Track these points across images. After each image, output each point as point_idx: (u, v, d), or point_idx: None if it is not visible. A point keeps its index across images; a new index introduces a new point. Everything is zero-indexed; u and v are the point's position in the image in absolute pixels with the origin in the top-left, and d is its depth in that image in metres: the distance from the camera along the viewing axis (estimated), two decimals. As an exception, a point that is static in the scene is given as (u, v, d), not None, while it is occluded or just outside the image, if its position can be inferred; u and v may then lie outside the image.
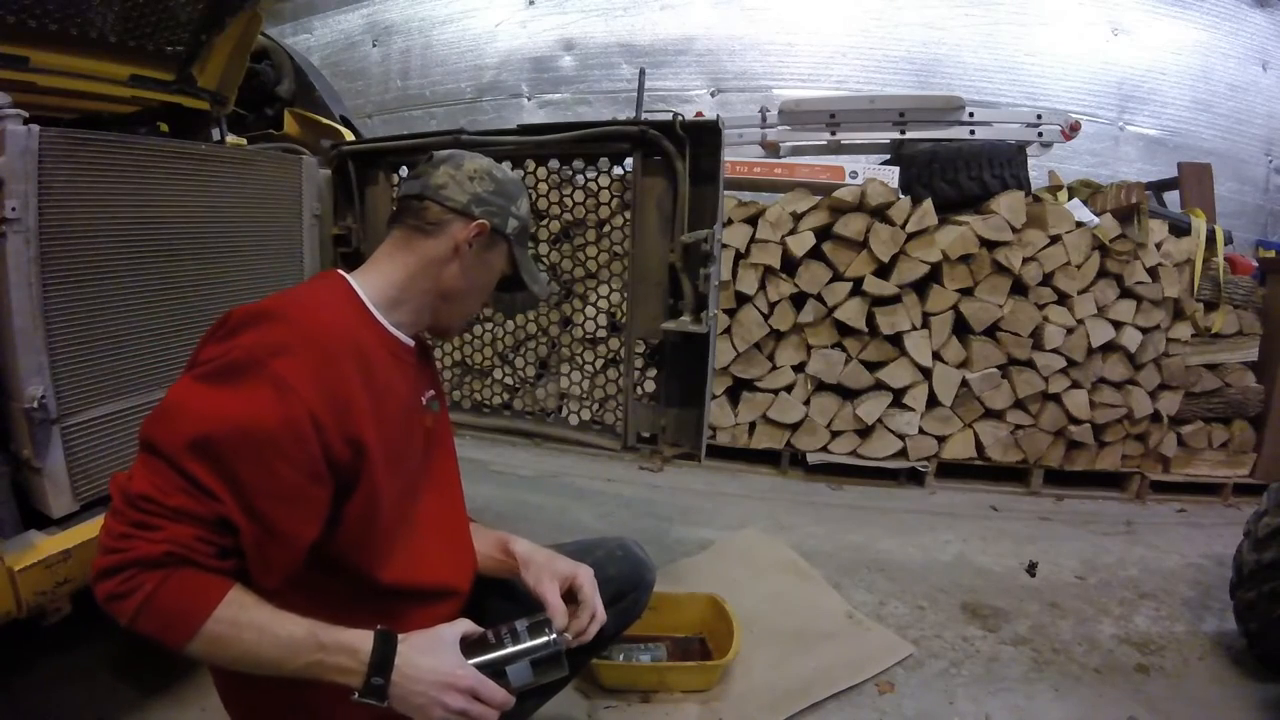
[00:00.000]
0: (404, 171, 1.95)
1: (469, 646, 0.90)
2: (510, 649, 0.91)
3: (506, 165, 1.95)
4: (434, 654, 0.86)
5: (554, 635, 0.94)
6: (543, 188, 1.92)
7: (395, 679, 0.82)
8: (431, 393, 1.11)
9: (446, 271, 1.01)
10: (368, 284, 0.99)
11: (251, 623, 0.78)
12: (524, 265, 1.09)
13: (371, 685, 0.81)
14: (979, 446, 3.12)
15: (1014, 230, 2.95)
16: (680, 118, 1.68)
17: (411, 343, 1.04)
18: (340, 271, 1.01)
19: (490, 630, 0.93)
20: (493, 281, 1.09)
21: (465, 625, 0.91)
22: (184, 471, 0.76)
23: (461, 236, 1.00)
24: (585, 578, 1.07)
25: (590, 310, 1.95)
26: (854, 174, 3.09)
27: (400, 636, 0.85)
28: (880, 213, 2.98)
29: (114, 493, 0.79)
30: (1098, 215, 3.06)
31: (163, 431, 0.78)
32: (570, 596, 1.06)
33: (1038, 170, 3.55)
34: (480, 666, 0.88)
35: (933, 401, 3.07)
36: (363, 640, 0.82)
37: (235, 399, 0.78)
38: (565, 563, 1.09)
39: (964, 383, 3.05)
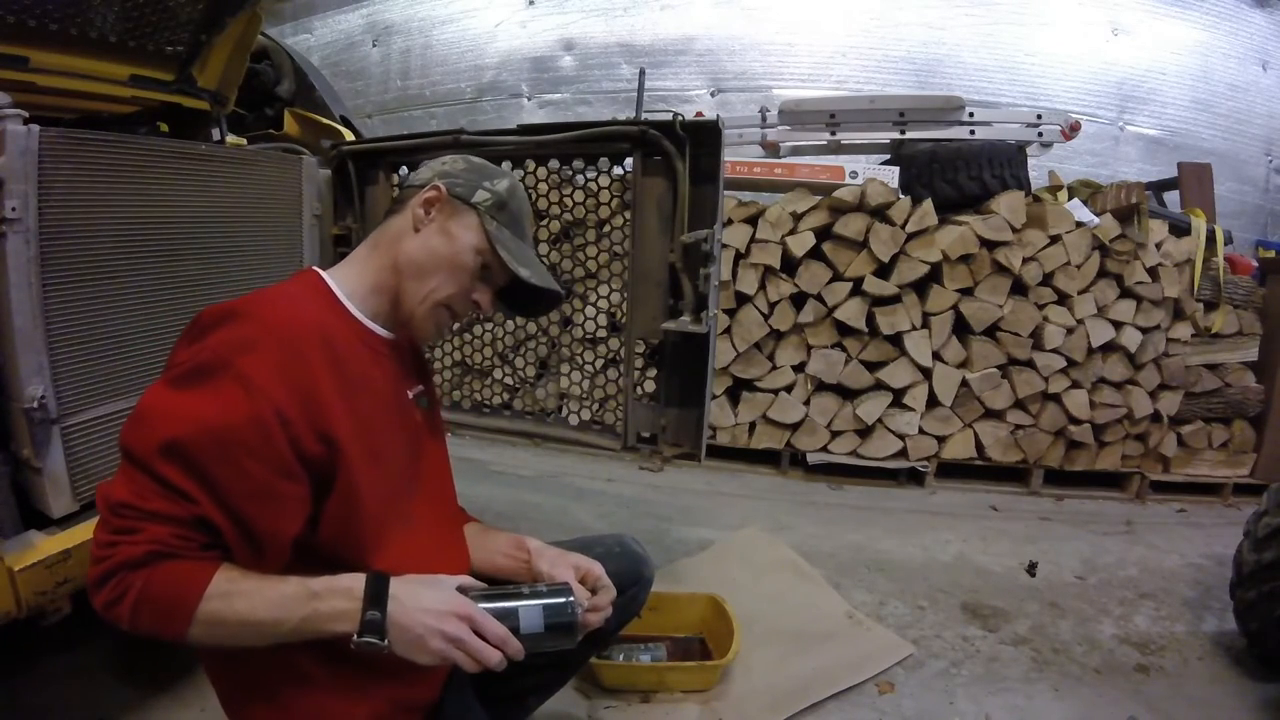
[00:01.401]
0: (404, 171, 1.95)
1: (478, 597, 0.88)
2: (526, 598, 0.90)
3: (506, 165, 1.96)
4: (430, 585, 0.86)
5: (573, 598, 0.93)
6: (543, 188, 1.92)
7: (392, 610, 0.80)
8: (420, 388, 1.09)
9: (406, 244, 0.99)
10: (341, 277, 0.99)
11: (242, 591, 0.78)
12: (501, 241, 1.00)
13: (368, 621, 0.79)
14: (979, 446, 3.12)
15: (1014, 230, 2.95)
16: (680, 118, 1.68)
17: (388, 335, 1.01)
18: (315, 268, 1.00)
19: (506, 585, 0.93)
20: (460, 256, 0.99)
21: (466, 578, 0.91)
22: (158, 476, 0.76)
23: (415, 203, 0.99)
24: (599, 568, 1.09)
25: (590, 310, 1.95)
26: (854, 174, 3.09)
27: (393, 576, 0.85)
28: (880, 213, 2.98)
29: (99, 502, 0.80)
30: (1098, 215, 3.06)
31: (136, 438, 0.79)
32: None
33: (1038, 170, 3.55)
34: (493, 611, 0.87)
35: (933, 401, 3.07)
36: (355, 580, 0.82)
37: (202, 400, 0.78)
38: (578, 556, 1.11)
39: (964, 383, 3.05)
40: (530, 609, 0.89)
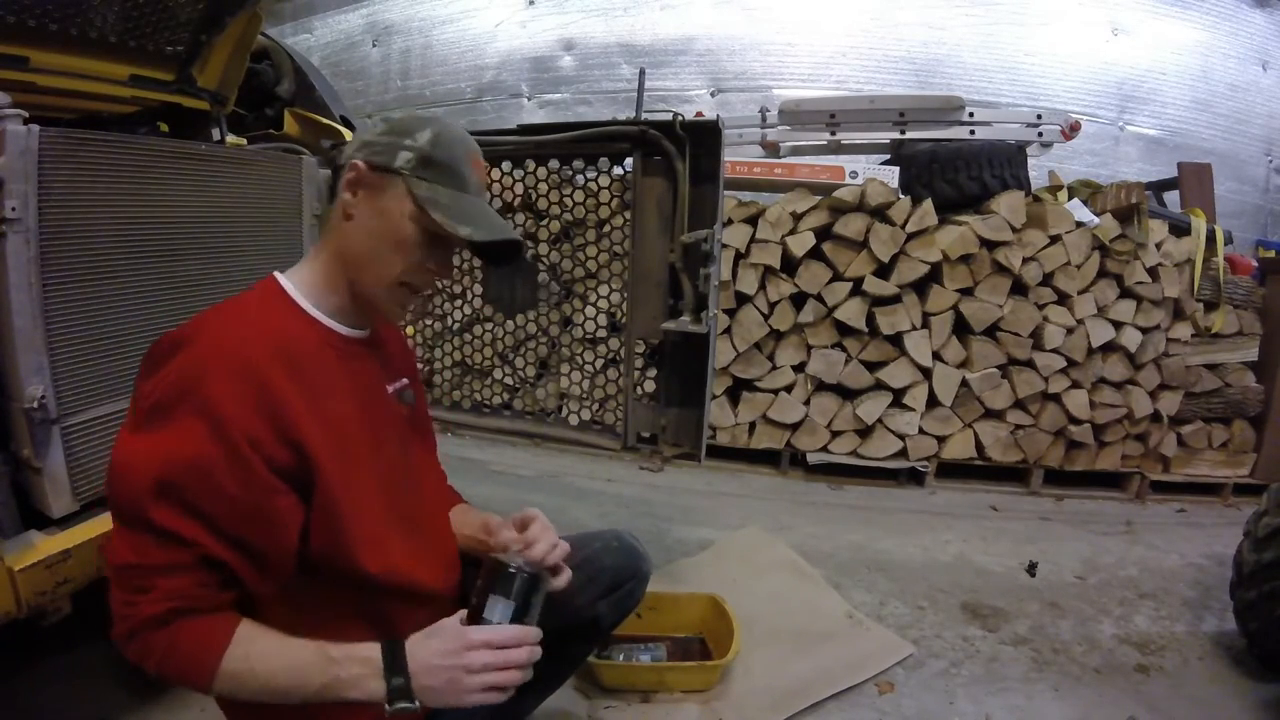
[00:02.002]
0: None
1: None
2: (486, 595, 0.90)
3: (506, 165, 1.95)
4: (437, 633, 0.86)
5: (498, 555, 0.93)
6: (543, 188, 1.92)
7: (413, 670, 0.82)
8: (403, 382, 1.07)
9: (344, 234, 0.93)
10: (299, 280, 0.95)
11: (262, 655, 0.80)
12: (434, 202, 0.90)
13: (395, 688, 0.81)
14: (979, 446, 3.12)
15: (1014, 230, 2.95)
16: (680, 118, 1.69)
17: (356, 332, 0.98)
18: (275, 273, 0.96)
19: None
20: (398, 232, 0.91)
21: (462, 612, 0.91)
22: (153, 526, 0.76)
23: (341, 187, 0.92)
24: (530, 510, 1.07)
25: (590, 310, 1.96)
26: (854, 174, 3.10)
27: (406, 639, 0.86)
28: (880, 213, 2.98)
29: (107, 567, 0.80)
30: (1098, 215, 3.06)
31: (119, 493, 0.79)
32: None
33: (1038, 170, 3.55)
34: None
35: (933, 401, 3.07)
36: (371, 649, 0.83)
37: (171, 438, 0.78)
38: (518, 512, 1.09)
39: (964, 383, 3.04)
40: (493, 603, 0.89)
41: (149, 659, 0.77)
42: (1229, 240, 3.34)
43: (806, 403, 3.13)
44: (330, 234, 0.96)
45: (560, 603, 1.13)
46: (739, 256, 3.05)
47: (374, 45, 5.36)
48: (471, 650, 0.84)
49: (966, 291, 3.00)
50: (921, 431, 3.11)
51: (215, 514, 0.78)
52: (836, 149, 3.54)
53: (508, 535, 1.05)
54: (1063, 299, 3.02)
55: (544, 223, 2.01)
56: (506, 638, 0.86)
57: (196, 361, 0.80)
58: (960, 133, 3.28)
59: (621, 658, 1.71)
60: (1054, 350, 3.02)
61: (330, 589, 0.90)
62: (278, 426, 0.82)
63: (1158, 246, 3.05)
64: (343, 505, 0.87)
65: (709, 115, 1.76)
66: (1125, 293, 3.05)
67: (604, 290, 1.94)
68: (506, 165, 1.95)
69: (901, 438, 3.12)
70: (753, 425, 3.19)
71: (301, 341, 0.90)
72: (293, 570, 0.86)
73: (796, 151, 3.58)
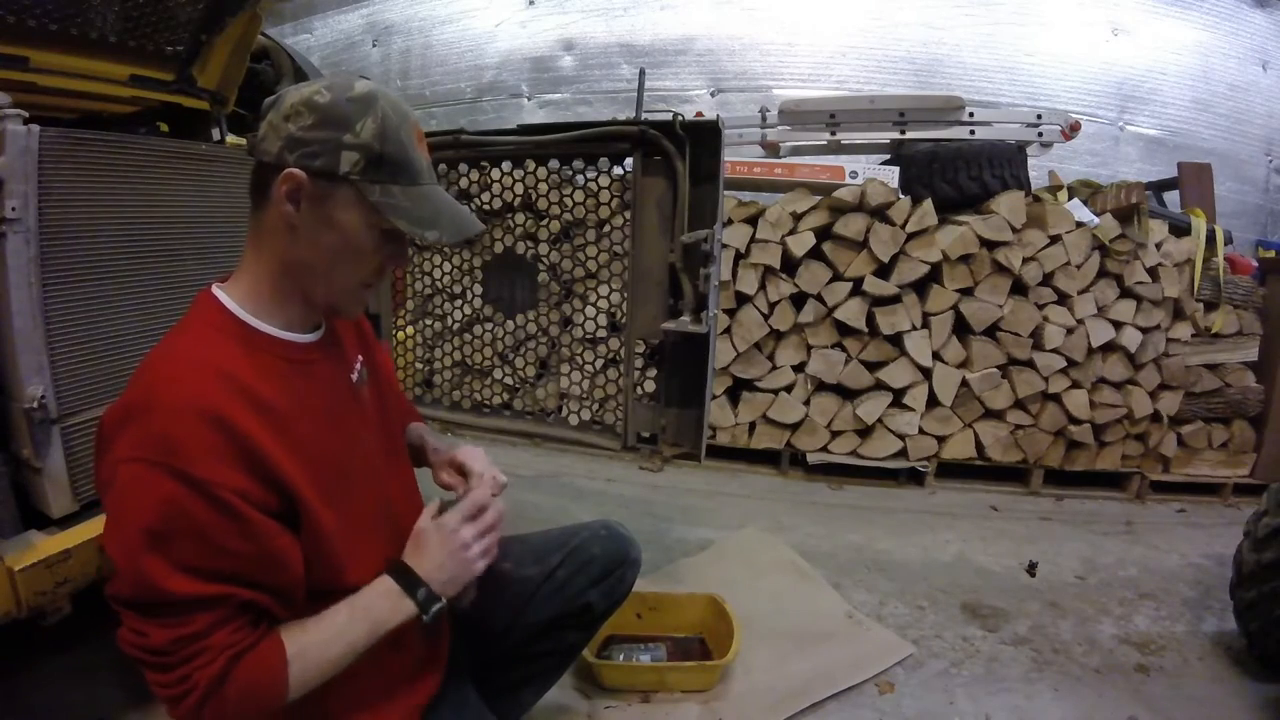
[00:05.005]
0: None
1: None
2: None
3: (506, 165, 1.95)
4: (422, 537, 0.96)
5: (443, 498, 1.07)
6: (543, 188, 1.92)
7: (425, 576, 0.92)
8: (359, 361, 1.04)
9: (288, 247, 0.85)
10: (241, 294, 0.88)
11: (311, 644, 0.83)
12: (392, 207, 0.83)
13: (421, 598, 0.91)
14: (979, 446, 3.12)
15: (1014, 230, 2.95)
16: (680, 118, 1.69)
17: (311, 336, 0.93)
18: (213, 289, 0.89)
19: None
20: (355, 240, 0.85)
21: (432, 508, 1.01)
22: (179, 601, 0.75)
23: (277, 197, 0.82)
24: (465, 453, 1.11)
25: (590, 310, 1.96)
26: (854, 174, 3.09)
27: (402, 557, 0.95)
28: (880, 213, 2.98)
29: (135, 655, 0.78)
30: (1098, 215, 3.06)
31: (135, 589, 0.76)
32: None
33: (1038, 170, 3.54)
34: None
35: (933, 401, 3.07)
36: (384, 582, 0.91)
37: (158, 514, 0.74)
38: (450, 451, 1.13)
39: (964, 383, 3.04)
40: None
41: (226, 715, 0.77)
42: (1229, 240, 3.34)
43: (806, 403, 3.13)
44: (268, 245, 0.86)
45: (552, 592, 1.19)
46: (739, 256, 3.05)
47: (374, 45, 5.36)
48: (456, 530, 0.95)
49: (966, 291, 3.00)
50: (921, 431, 3.11)
51: (234, 570, 0.77)
52: (836, 149, 3.53)
53: (448, 479, 1.11)
54: (1063, 299, 3.02)
55: (544, 223, 2.01)
56: (470, 506, 0.98)
57: (157, 432, 0.75)
58: (960, 133, 3.28)
59: (621, 658, 1.71)
60: (1054, 350, 3.02)
61: (322, 602, 0.90)
62: (259, 472, 0.79)
63: (1158, 246, 3.05)
64: (328, 529, 0.86)
65: (709, 115, 1.76)
66: (1125, 293, 3.05)
67: (604, 290, 1.94)
68: (506, 165, 1.96)
69: (901, 438, 3.11)
70: (753, 425, 3.19)
71: (260, 369, 0.84)
72: (305, 586, 0.86)
73: (796, 151, 3.57)
